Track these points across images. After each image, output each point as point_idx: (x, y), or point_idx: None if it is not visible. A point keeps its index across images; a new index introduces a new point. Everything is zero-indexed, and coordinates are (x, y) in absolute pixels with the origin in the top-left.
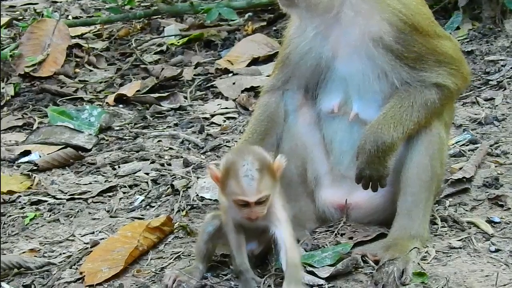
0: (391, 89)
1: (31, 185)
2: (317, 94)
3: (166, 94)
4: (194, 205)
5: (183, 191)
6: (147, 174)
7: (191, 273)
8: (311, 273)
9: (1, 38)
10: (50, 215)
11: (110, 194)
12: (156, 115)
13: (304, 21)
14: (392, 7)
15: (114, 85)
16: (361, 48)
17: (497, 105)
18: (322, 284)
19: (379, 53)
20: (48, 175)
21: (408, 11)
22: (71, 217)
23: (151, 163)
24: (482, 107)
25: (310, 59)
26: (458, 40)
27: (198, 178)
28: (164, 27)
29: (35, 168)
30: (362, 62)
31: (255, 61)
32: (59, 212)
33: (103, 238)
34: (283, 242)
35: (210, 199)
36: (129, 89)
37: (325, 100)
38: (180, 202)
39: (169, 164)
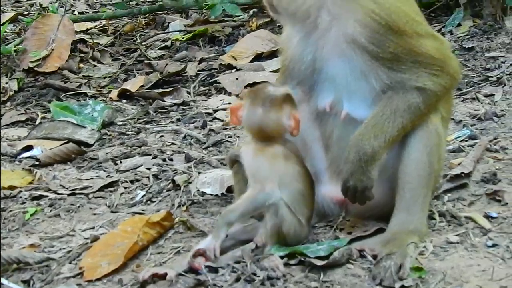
0: (376, 90)
1: (33, 180)
2: (313, 94)
3: (169, 89)
4: (195, 200)
5: (184, 186)
6: (149, 169)
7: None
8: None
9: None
10: (51, 210)
11: (112, 189)
12: (159, 110)
13: (290, 27)
14: (365, 8)
15: (118, 80)
16: (339, 51)
17: (496, 101)
18: (318, 265)
19: (356, 54)
20: (50, 170)
21: (382, 10)
22: (72, 212)
23: (153, 158)
24: (482, 103)
25: (297, 62)
26: (459, 37)
27: (199, 173)
28: (169, 22)
29: (37, 163)
30: (343, 63)
31: (258, 57)
32: (60, 207)
33: (103, 233)
34: None
35: (211, 194)
36: (133, 85)
37: (319, 99)
38: (181, 197)
39: (171, 159)
